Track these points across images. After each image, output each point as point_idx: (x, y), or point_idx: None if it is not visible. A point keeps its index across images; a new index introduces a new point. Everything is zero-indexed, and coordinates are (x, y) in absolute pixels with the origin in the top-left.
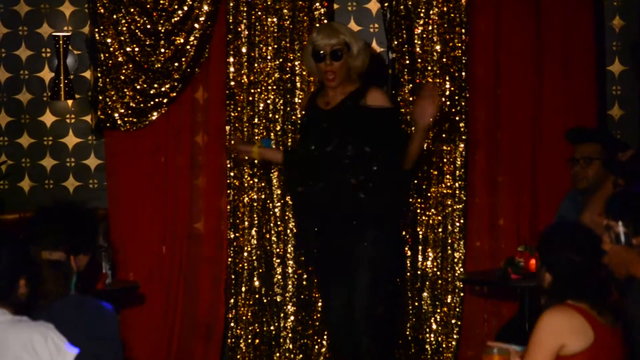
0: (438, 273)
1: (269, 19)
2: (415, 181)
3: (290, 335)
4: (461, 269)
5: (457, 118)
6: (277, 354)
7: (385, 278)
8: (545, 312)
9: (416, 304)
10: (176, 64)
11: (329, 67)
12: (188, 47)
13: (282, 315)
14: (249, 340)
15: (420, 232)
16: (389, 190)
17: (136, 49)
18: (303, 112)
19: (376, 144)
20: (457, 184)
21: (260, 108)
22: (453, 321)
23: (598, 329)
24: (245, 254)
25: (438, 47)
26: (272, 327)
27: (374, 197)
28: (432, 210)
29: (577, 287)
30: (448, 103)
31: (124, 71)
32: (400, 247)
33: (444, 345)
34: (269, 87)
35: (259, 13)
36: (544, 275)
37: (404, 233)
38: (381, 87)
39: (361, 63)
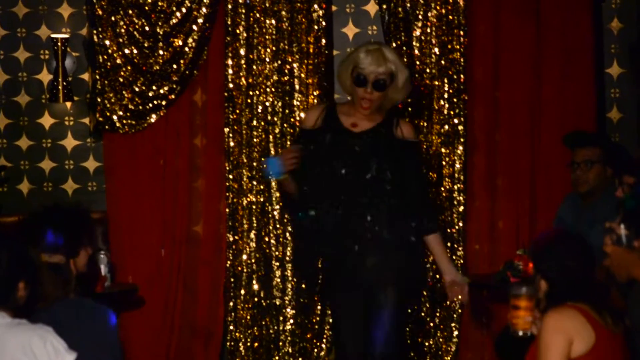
0: (437, 276)
1: (267, 21)
2: None
3: (289, 338)
4: (460, 272)
5: (455, 121)
6: (277, 358)
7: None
8: (545, 316)
9: (415, 307)
10: (175, 66)
11: (368, 96)
12: (186, 49)
13: (281, 318)
14: (248, 344)
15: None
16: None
17: (134, 51)
18: (319, 127)
19: (408, 175)
20: (455, 187)
21: (259, 110)
22: (452, 325)
23: (599, 330)
24: (244, 257)
25: (436, 50)
26: (271, 331)
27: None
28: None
29: (574, 291)
30: (447, 106)
31: (122, 73)
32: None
33: (443, 349)
34: (268, 90)
35: (257, 15)
36: (540, 284)
37: None
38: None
39: (402, 97)
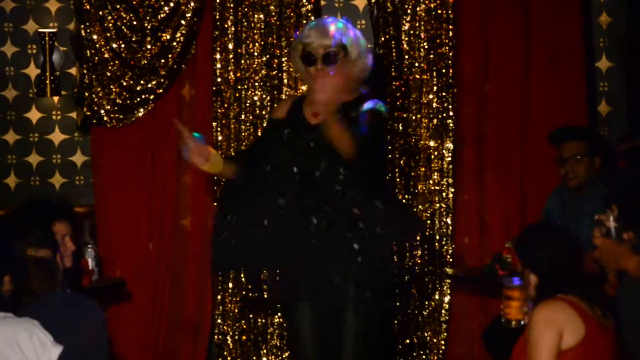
0: (426, 270)
1: (256, 15)
2: (402, 177)
3: (277, 331)
4: (449, 266)
5: (444, 115)
6: (264, 351)
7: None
8: (535, 309)
9: (403, 299)
10: (162, 61)
11: (319, 72)
12: (174, 43)
13: (269, 310)
14: (236, 337)
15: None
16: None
17: (122, 45)
18: (282, 119)
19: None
20: (444, 181)
21: (247, 105)
22: (441, 318)
23: (589, 323)
24: None
25: (425, 44)
26: (259, 324)
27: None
28: (420, 207)
29: (564, 282)
30: (435, 99)
31: (110, 67)
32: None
33: (432, 342)
34: (256, 84)
35: (246, 9)
36: (529, 279)
37: None
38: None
39: (360, 70)
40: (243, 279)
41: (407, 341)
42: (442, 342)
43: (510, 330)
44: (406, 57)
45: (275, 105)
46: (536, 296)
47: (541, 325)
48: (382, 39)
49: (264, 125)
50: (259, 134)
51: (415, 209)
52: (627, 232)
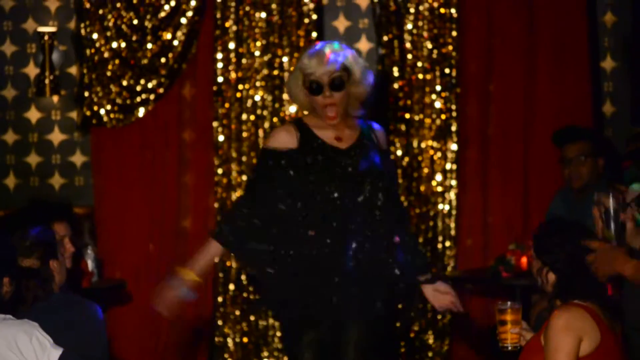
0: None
1: (257, 14)
2: (404, 178)
3: (278, 333)
4: (452, 267)
5: (447, 115)
6: (266, 353)
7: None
8: (553, 315)
9: (405, 302)
10: (163, 60)
11: (329, 100)
12: (175, 42)
13: (270, 313)
14: (237, 339)
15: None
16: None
17: (122, 45)
18: (296, 148)
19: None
20: (447, 182)
21: (249, 105)
22: (444, 320)
23: (604, 331)
24: None
25: (428, 44)
26: (260, 326)
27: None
28: (422, 208)
29: (583, 284)
30: (439, 100)
31: (110, 67)
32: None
33: (435, 344)
34: (257, 84)
35: (247, 8)
36: (547, 277)
37: None
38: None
39: (363, 90)
40: (245, 282)
41: (411, 344)
42: (445, 345)
43: (508, 353)
44: (409, 56)
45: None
46: (554, 295)
47: (561, 331)
48: (385, 38)
49: (263, 159)
50: (260, 133)
51: (417, 210)
52: (624, 212)
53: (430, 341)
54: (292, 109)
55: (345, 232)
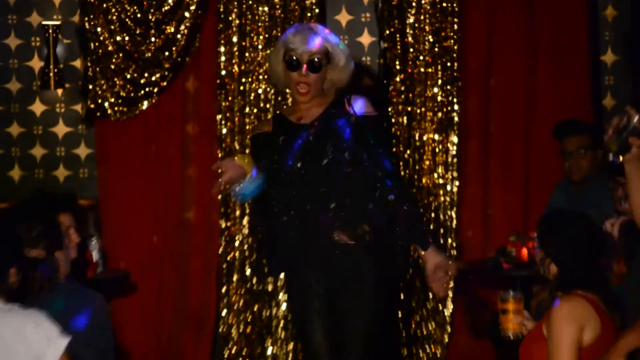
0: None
1: (260, 8)
2: (406, 170)
3: (282, 323)
4: (453, 259)
5: (449, 108)
6: (269, 342)
7: (381, 323)
8: (556, 305)
9: (408, 292)
10: (167, 53)
11: (304, 79)
12: (179, 36)
13: (273, 303)
14: (241, 329)
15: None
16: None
17: (126, 38)
18: (268, 133)
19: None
20: (449, 175)
21: (252, 98)
22: (445, 311)
23: (605, 321)
24: (237, 243)
25: (430, 37)
26: (263, 316)
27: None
28: (425, 200)
29: (585, 275)
30: (440, 93)
31: (114, 60)
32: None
33: (436, 333)
34: (260, 77)
35: (250, 2)
36: (550, 268)
37: None
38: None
39: (344, 78)
40: (248, 273)
41: (412, 333)
42: (446, 335)
43: (510, 342)
44: (411, 50)
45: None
46: (556, 286)
47: (563, 320)
48: (387, 32)
49: (251, 146)
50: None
51: (420, 203)
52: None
53: (432, 331)
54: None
55: (314, 197)
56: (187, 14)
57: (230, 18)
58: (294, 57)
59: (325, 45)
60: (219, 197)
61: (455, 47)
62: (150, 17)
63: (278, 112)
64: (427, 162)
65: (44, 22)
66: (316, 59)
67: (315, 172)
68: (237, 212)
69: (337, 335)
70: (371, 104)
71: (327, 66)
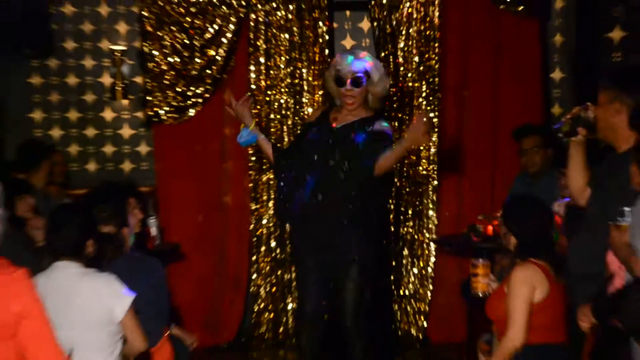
0: (415, 237)
1: (282, 35)
2: (397, 164)
3: None
4: (434, 234)
5: (431, 115)
6: (289, 299)
7: (370, 283)
8: (514, 270)
9: (398, 259)
10: (208, 71)
11: (349, 92)
12: (218, 57)
13: (292, 268)
14: (267, 289)
15: (402, 205)
16: (374, 205)
17: (177, 59)
18: (313, 123)
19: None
20: (431, 167)
21: (275, 106)
22: (427, 274)
23: (552, 283)
24: (264, 221)
25: (416, 58)
26: (285, 279)
27: (361, 211)
28: (411, 187)
29: (536, 246)
30: (425, 103)
31: (167, 77)
32: (381, 250)
33: (420, 292)
34: (282, 90)
35: (274, 30)
36: (509, 239)
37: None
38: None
39: (381, 90)
40: (273, 244)
41: (402, 292)
42: (429, 292)
43: (479, 299)
44: (401, 68)
45: (309, 110)
46: (514, 255)
47: (519, 283)
48: (382, 54)
49: (301, 126)
50: (284, 129)
51: (408, 189)
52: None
53: (417, 290)
54: (310, 110)
55: (316, 185)
56: (224, 40)
57: (258, 43)
58: (340, 76)
59: (365, 65)
60: (250, 185)
61: (436, 67)
62: (195, 42)
63: (329, 106)
64: (414, 157)
65: (112, 47)
66: (357, 76)
67: (323, 168)
68: (265, 197)
69: (334, 299)
70: (391, 125)
71: (367, 82)
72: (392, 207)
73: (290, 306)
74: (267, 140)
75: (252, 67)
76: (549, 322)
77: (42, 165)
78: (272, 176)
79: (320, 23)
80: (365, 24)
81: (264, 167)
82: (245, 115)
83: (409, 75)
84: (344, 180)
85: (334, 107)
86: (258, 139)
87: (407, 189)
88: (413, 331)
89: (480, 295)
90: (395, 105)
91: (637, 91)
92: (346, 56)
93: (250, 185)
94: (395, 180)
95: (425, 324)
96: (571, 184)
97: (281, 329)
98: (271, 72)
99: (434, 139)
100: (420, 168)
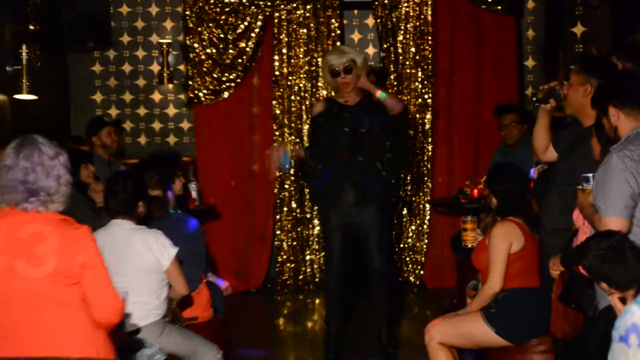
0: (413, 199)
1: (301, 30)
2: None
3: (316, 239)
4: (428, 196)
5: (425, 97)
6: (308, 251)
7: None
8: (495, 226)
9: (399, 218)
10: (239, 60)
11: (344, 80)
12: (247, 49)
13: (310, 226)
14: (289, 242)
15: (401, 173)
16: (395, 171)
17: (213, 50)
18: (322, 112)
19: (391, 129)
20: (425, 140)
21: (295, 90)
22: (423, 230)
23: (527, 237)
24: (286, 185)
25: (413, 49)
26: (304, 234)
27: (387, 173)
28: (410, 157)
29: (514, 206)
30: (420, 86)
31: (205, 65)
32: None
33: (417, 245)
34: (301, 75)
35: (294, 26)
36: (492, 199)
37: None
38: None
39: (364, 66)
40: (294, 205)
41: (402, 245)
42: (424, 246)
43: (468, 249)
44: (400, 57)
45: (313, 104)
46: (495, 213)
47: (499, 237)
48: (385, 45)
49: (310, 123)
50: (303, 108)
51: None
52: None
53: (416, 243)
54: (324, 92)
55: (355, 151)
56: (253, 34)
57: (281, 37)
58: (335, 69)
59: (350, 55)
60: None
61: (430, 56)
62: (229, 36)
63: (329, 96)
64: (411, 132)
65: (160, 41)
66: (347, 65)
67: (355, 136)
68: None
69: (361, 248)
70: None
71: (355, 67)
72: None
73: (308, 257)
74: (301, 146)
75: (276, 57)
76: (524, 270)
77: (100, 136)
78: (291, 147)
79: (333, 20)
80: (370, 21)
81: (287, 139)
82: (281, 156)
83: (407, 63)
84: (380, 144)
85: (332, 95)
86: (290, 156)
87: (406, 159)
88: (412, 279)
89: (469, 246)
90: (395, 89)
91: (602, 76)
92: (334, 53)
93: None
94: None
95: (421, 273)
96: (536, 144)
97: (301, 277)
98: (292, 60)
99: (428, 116)
100: (416, 141)
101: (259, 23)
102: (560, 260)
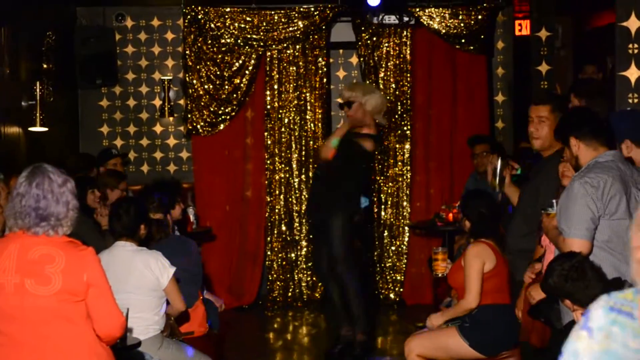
0: (394, 222)
1: (291, 68)
2: (379, 166)
3: (304, 260)
4: (407, 219)
5: (404, 128)
6: (296, 271)
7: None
8: (469, 248)
9: (380, 240)
10: (234, 95)
11: (347, 112)
12: (242, 85)
13: (298, 247)
14: (279, 262)
15: (383, 197)
16: (353, 192)
17: (211, 86)
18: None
19: (354, 164)
20: (404, 168)
21: (285, 122)
22: (402, 252)
23: (498, 257)
24: (277, 210)
25: (393, 85)
26: (292, 255)
27: (345, 194)
28: (390, 183)
29: (486, 228)
30: (400, 119)
31: (203, 100)
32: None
33: (397, 265)
34: (291, 109)
35: (285, 64)
36: (465, 223)
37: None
38: (379, 136)
39: (374, 103)
40: (283, 228)
41: (383, 265)
42: (404, 265)
43: (438, 278)
44: (381, 93)
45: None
46: (468, 235)
47: (473, 257)
48: (367, 82)
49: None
50: (292, 139)
51: (387, 185)
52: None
53: (395, 264)
54: (312, 125)
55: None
56: (246, 72)
57: (272, 74)
58: (341, 103)
59: (347, 94)
60: (266, 182)
61: (409, 91)
62: (225, 74)
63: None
64: (391, 160)
65: (162, 77)
66: (347, 101)
67: (332, 167)
68: (277, 192)
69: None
70: (371, 141)
71: (357, 103)
72: (375, 199)
73: (296, 276)
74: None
75: (268, 92)
76: (496, 287)
77: (107, 167)
78: (283, 175)
79: (320, 59)
80: (354, 59)
81: (277, 167)
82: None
83: (388, 98)
84: (340, 176)
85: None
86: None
87: (387, 185)
88: (392, 295)
89: (440, 275)
90: (377, 121)
91: (563, 111)
92: (344, 89)
93: (266, 182)
94: (378, 178)
95: (401, 290)
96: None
97: (290, 294)
98: (282, 95)
99: (407, 146)
100: (397, 169)
101: (253, 61)
102: (541, 286)
